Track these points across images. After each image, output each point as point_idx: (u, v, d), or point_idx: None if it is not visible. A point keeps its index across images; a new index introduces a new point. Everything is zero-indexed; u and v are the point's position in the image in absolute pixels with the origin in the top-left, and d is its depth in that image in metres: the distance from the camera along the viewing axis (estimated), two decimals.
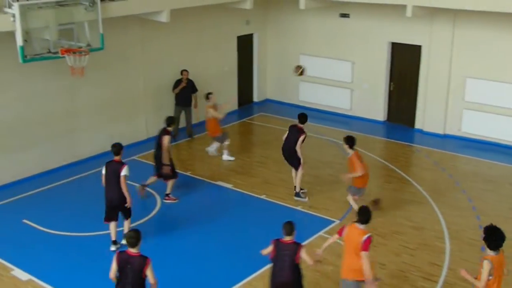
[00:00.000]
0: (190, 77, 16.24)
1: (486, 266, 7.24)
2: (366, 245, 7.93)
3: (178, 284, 9.63)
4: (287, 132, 12.76)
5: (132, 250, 7.57)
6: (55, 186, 13.35)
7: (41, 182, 13.45)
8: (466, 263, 9.97)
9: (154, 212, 12.16)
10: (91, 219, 11.55)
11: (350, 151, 11.52)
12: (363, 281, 8.07)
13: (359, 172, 11.42)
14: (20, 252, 10.59)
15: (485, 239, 7.36)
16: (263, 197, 12.72)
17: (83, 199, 12.64)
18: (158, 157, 12.33)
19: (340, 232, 8.30)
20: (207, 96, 14.80)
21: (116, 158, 10.40)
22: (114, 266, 7.63)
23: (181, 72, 16.12)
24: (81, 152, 14.59)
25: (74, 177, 13.81)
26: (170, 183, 12.53)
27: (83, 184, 13.47)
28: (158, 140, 12.36)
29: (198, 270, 10.06)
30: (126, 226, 10.67)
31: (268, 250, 8.11)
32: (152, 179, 12.58)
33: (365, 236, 7.97)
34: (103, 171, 10.43)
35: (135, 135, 15.80)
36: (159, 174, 12.43)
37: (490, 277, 7.26)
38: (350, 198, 11.76)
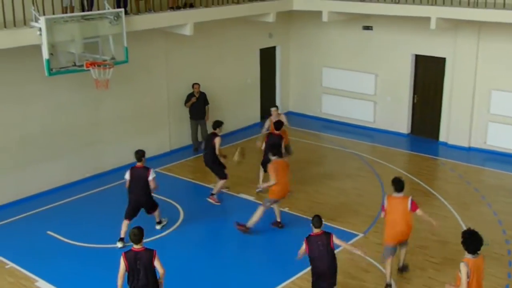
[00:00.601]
0: (211, 90, 16.29)
1: (463, 268, 7.39)
2: (415, 205, 9.43)
3: None
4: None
5: (137, 247, 7.97)
6: (79, 198, 13.44)
7: (66, 193, 13.56)
8: (493, 278, 9.84)
9: (178, 224, 12.17)
10: (115, 231, 11.58)
11: (273, 158, 11.58)
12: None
13: (272, 181, 11.33)
14: (44, 263, 10.66)
15: (463, 242, 7.54)
16: (286, 209, 12.66)
17: (107, 211, 12.70)
18: (209, 160, 12.87)
19: (383, 208, 9.59)
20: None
21: (139, 164, 11.04)
22: (122, 266, 7.96)
23: (193, 86, 16.06)
24: (105, 164, 14.69)
25: (98, 189, 13.90)
26: (220, 183, 12.97)
27: (106, 196, 13.55)
28: (208, 143, 12.87)
29: (224, 281, 10.04)
30: (157, 215, 11.60)
31: (302, 249, 8.73)
32: (220, 183, 13.02)
33: (409, 200, 9.40)
34: (127, 177, 11.02)
35: (158, 147, 15.88)
36: (221, 176, 12.94)
37: (468, 279, 7.39)
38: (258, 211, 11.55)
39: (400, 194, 9.51)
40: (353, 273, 10.15)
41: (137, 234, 7.96)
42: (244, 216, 11.81)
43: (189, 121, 16.34)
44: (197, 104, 16.08)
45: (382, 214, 9.67)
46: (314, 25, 18.66)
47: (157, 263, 7.93)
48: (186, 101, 16.10)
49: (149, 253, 7.97)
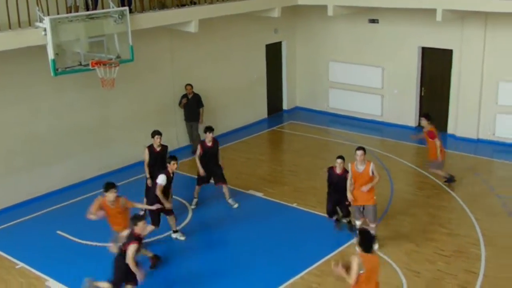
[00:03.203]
0: (218, 87, 16.12)
1: (354, 261, 7.50)
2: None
3: None
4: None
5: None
6: (88, 197, 13.43)
7: (74, 193, 13.59)
8: (503, 269, 9.82)
9: (187, 221, 12.19)
10: None
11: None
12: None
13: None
14: (55, 263, 10.70)
15: (358, 242, 7.69)
16: (294, 205, 12.65)
17: None
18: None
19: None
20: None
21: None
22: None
23: (185, 87, 15.70)
24: (113, 163, 14.72)
25: None
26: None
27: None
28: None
29: (233, 278, 10.06)
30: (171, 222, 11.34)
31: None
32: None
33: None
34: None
35: (169, 144, 15.82)
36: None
37: (361, 271, 7.51)
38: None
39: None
40: None
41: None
42: (251, 211, 11.79)
43: (184, 123, 16.10)
44: (190, 106, 15.74)
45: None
46: (320, 19, 18.59)
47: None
48: (180, 102, 15.85)
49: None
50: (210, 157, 12.47)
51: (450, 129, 16.96)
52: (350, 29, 18.28)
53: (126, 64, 12.72)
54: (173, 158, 10.98)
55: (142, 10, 13.74)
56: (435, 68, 17.11)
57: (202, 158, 12.48)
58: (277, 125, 18.62)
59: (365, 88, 18.27)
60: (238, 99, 17.84)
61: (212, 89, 16.81)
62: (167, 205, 10.76)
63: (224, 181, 12.55)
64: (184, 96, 15.75)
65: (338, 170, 11.09)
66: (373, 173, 10.61)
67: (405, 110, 17.73)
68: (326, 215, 11.49)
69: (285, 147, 17.26)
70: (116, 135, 14.77)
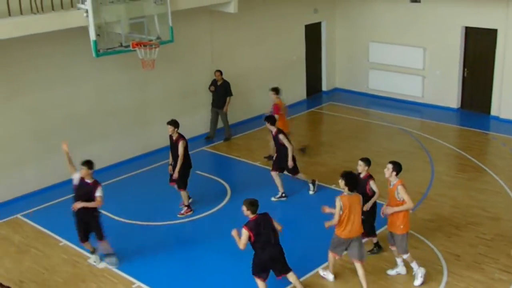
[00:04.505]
0: (256, 68, 15.91)
1: (337, 202, 8.59)
2: None
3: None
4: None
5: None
6: (127, 177, 13.68)
7: (114, 173, 13.80)
8: None
9: (225, 201, 12.27)
10: (163, 208, 11.80)
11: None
12: None
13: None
14: (95, 240, 10.89)
15: (345, 183, 8.61)
16: (333, 187, 12.60)
17: (155, 189, 12.90)
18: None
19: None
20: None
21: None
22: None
23: (214, 73, 15.41)
24: (152, 143, 14.88)
25: (146, 168, 14.11)
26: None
27: (154, 175, 13.73)
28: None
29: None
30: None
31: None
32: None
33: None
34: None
35: (204, 126, 15.95)
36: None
37: (341, 212, 8.58)
38: None
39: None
40: None
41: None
42: (288, 192, 11.80)
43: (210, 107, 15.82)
44: (218, 93, 15.43)
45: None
46: None
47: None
48: (209, 86, 15.56)
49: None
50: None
51: (494, 111, 16.60)
52: (391, 10, 17.98)
53: (165, 45, 12.77)
54: None
55: None
56: (479, 49, 16.73)
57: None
58: (316, 106, 18.52)
59: (406, 69, 17.99)
60: (277, 80, 17.72)
61: (251, 70, 16.78)
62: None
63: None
64: (214, 82, 15.53)
65: (361, 174, 9.77)
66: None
67: (447, 92, 17.42)
68: None
69: (324, 128, 17.17)
70: (156, 115, 14.89)
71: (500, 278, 9.22)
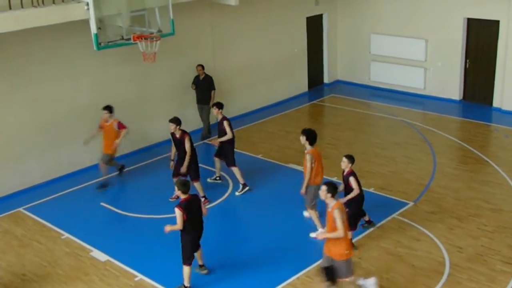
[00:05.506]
0: (258, 60, 15.79)
1: (308, 157, 9.87)
2: None
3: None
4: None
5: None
6: (129, 170, 13.67)
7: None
8: None
9: (226, 195, 12.28)
10: (164, 201, 11.80)
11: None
12: None
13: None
14: (98, 233, 10.95)
15: (306, 139, 9.87)
16: (334, 179, 12.59)
17: (156, 183, 12.92)
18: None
19: None
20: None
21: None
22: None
23: (196, 68, 14.98)
24: (153, 137, 14.88)
25: (147, 162, 14.12)
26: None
27: (156, 168, 13.74)
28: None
29: (271, 249, 10.13)
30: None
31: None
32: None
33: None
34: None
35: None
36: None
37: (313, 165, 9.83)
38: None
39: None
40: (404, 242, 10.04)
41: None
42: (292, 185, 11.81)
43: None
44: (201, 88, 15.01)
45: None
46: None
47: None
48: (192, 83, 15.14)
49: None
50: None
51: (496, 103, 16.56)
52: (393, 1, 17.91)
53: (166, 38, 12.74)
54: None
55: None
56: (481, 40, 16.67)
57: None
58: (318, 99, 18.50)
59: (408, 60, 17.94)
60: (279, 72, 17.75)
61: (253, 62, 16.75)
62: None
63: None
64: (195, 78, 15.08)
65: (344, 170, 9.83)
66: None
67: (449, 83, 17.37)
68: None
69: (326, 121, 17.15)
70: (157, 109, 14.88)
71: (501, 269, 9.23)
